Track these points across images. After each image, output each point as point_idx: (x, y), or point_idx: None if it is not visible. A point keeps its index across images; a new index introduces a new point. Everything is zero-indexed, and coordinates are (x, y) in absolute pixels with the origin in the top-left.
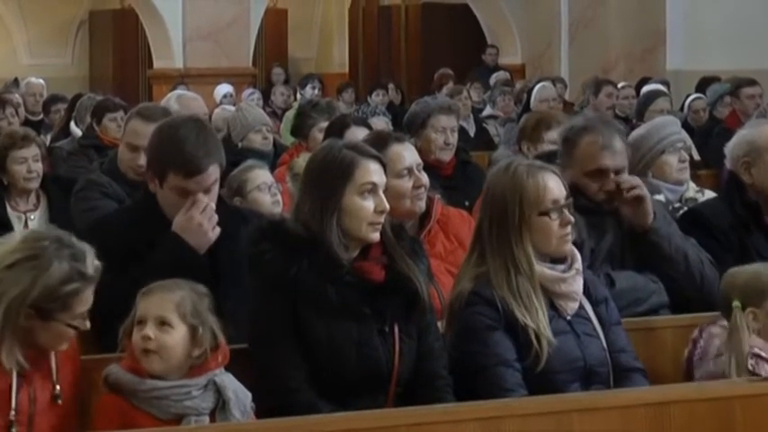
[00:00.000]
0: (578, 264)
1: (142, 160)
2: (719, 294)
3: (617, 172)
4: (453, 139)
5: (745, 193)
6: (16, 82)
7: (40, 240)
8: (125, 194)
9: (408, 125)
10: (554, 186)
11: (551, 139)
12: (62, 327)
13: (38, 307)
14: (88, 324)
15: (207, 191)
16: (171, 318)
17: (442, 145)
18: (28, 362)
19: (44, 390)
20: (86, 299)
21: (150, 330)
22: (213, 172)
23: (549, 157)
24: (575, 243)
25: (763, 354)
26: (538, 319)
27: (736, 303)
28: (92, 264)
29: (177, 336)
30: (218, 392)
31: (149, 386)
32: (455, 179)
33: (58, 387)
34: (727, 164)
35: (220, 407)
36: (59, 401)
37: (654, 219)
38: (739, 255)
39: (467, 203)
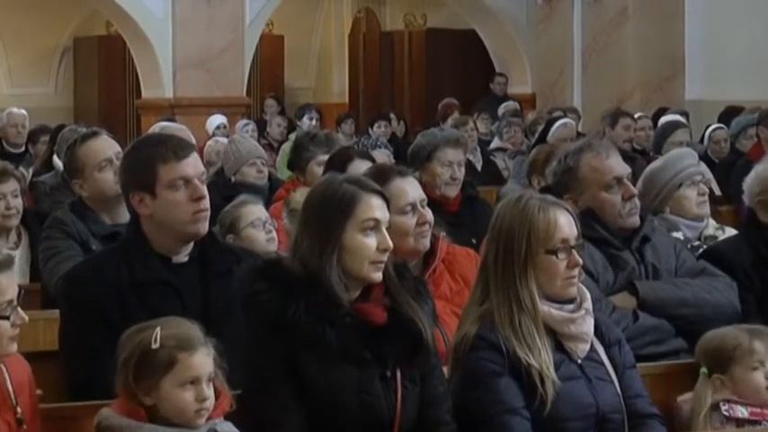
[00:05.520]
0: (588, 303)
1: None
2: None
3: (628, 178)
4: (460, 173)
5: (767, 231)
6: None
7: None
8: (89, 233)
9: (413, 158)
10: (565, 224)
11: None
12: None
13: None
14: (24, 316)
15: (201, 179)
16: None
17: (448, 180)
18: None
19: (3, 419)
20: (2, 286)
21: (209, 391)
22: (199, 160)
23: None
24: (590, 274)
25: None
26: (541, 359)
27: (703, 370)
28: None
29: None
30: None
31: (147, 431)
32: (461, 216)
33: (19, 409)
34: (745, 200)
35: None
36: (24, 426)
37: (636, 297)
38: (762, 295)
39: (474, 241)
